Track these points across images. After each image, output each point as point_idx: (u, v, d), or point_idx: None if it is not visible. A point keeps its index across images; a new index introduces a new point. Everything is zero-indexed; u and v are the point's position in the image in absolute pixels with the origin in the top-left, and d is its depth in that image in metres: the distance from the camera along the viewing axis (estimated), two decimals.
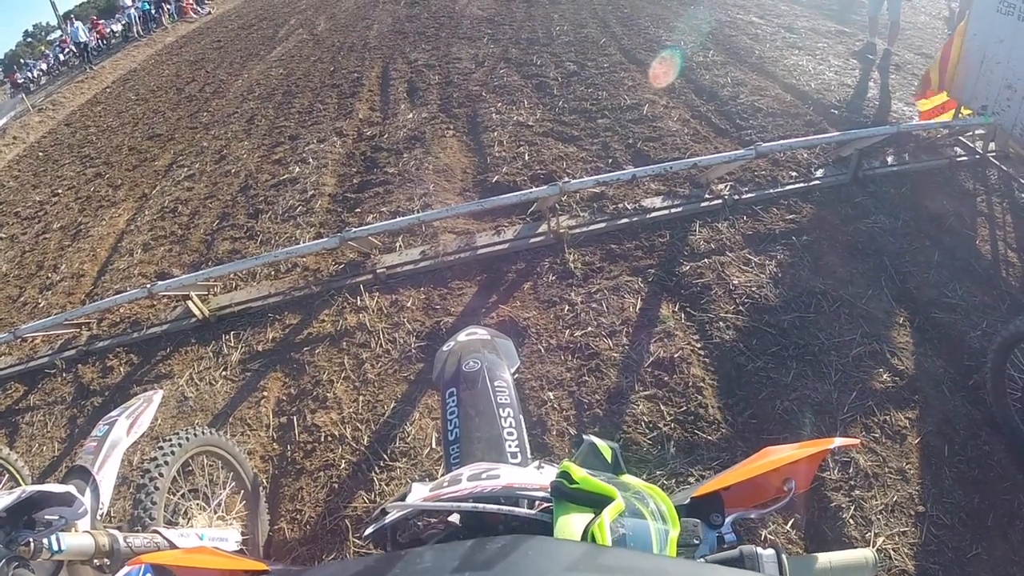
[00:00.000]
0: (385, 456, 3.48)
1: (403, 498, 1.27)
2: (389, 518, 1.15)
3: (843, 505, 2.99)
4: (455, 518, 1.18)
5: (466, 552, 0.84)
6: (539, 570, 0.78)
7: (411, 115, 7.96)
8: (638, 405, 3.40)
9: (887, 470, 3.17)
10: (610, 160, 5.86)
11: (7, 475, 3.27)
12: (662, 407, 3.38)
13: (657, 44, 9.21)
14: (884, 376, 3.61)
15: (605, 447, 1.33)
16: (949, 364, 3.78)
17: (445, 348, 2.02)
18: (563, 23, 11.09)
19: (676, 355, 3.62)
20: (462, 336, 2.07)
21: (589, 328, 3.94)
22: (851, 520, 2.94)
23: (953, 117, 6.05)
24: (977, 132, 6.03)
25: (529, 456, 1.67)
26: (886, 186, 5.14)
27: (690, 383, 3.47)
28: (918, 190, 5.20)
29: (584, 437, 1.35)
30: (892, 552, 2.84)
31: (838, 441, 1.28)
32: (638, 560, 0.83)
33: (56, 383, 4.86)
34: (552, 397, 3.56)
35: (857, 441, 1.44)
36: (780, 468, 1.24)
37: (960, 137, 6.00)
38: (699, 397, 3.39)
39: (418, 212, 5.27)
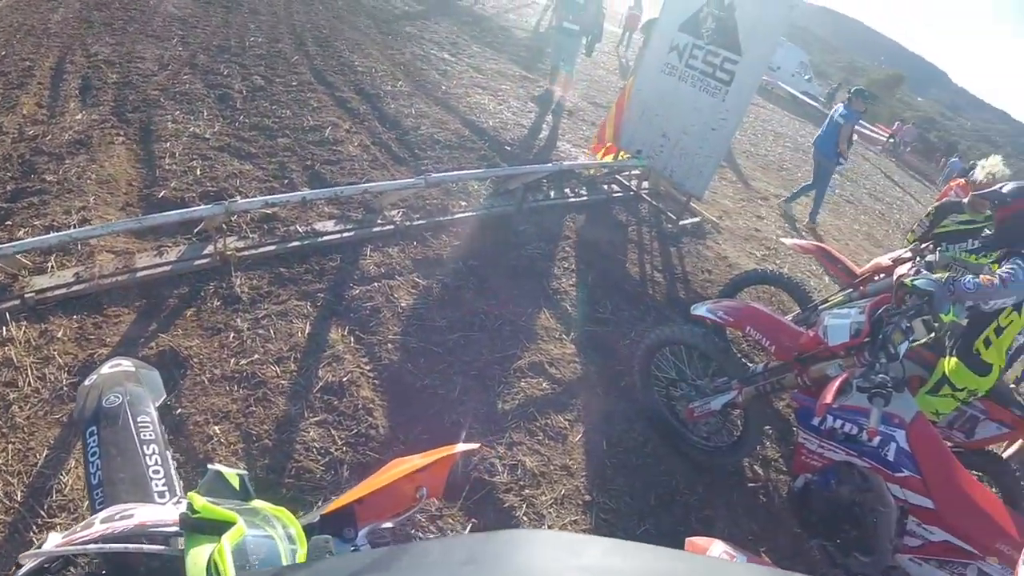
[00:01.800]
0: (43, 512, 2.94)
1: (40, 547, 1.18)
2: (23, 571, 1.10)
3: (515, 504, 3.16)
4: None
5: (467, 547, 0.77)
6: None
7: (80, 116, 6.99)
8: (309, 432, 3.29)
9: (552, 467, 3.43)
10: (286, 181, 5.65)
11: None
12: (333, 432, 3.30)
13: (349, 68, 9.18)
14: (544, 384, 3.92)
15: (232, 475, 1.30)
16: (603, 369, 4.24)
17: (87, 383, 1.85)
18: (259, 34, 10.61)
19: (345, 378, 3.57)
20: (105, 368, 1.92)
21: (256, 356, 3.72)
22: (524, 517, 3.12)
23: (613, 159, 6.75)
24: (634, 173, 6.81)
25: (180, 493, 1.56)
26: (548, 217, 5.57)
27: (360, 405, 3.43)
28: (577, 221, 5.68)
29: (209, 466, 1.31)
30: None
31: (460, 447, 1.36)
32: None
33: None
34: (218, 431, 3.28)
35: (478, 446, 1.53)
36: (411, 476, 1.28)
37: (617, 176, 6.70)
38: (370, 418, 3.37)
39: (74, 227, 4.62)
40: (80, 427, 1.69)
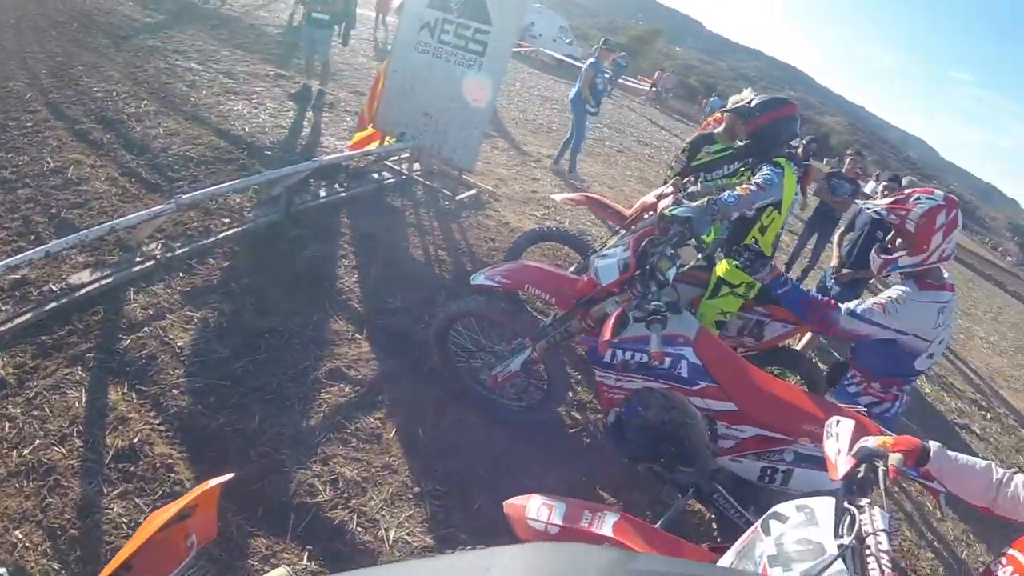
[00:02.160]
0: None
1: None
2: None
3: (346, 519, 3.15)
4: None
5: None
6: None
7: None
8: (112, 508, 3.09)
9: (374, 470, 3.44)
10: (32, 237, 5.13)
11: None
12: (137, 500, 3.12)
13: (88, 96, 8.45)
14: (346, 389, 3.91)
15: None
16: (402, 359, 4.28)
17: None
18: None
19: (136, 440, 3.37)
20: None
21: (38, 440, 3.41)
22: (359, 528, 3.13)
23: (380, 146, 6.74)
24: (403, 156, 6.83)
25: None
26: (320, 217, 5.50)
27: (159, 464, 3.27)
28: (351, 215, 5.65)
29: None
30: (408, 538, 3.13)
31: (214, 481, 1.35)
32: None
33: None
34: (21, 536, 3.00)
35: (230, 476, 1.46)
36: (179, 527, 1.26)
37: (386, 162, 6.70)
38: (172, 475, 3.22)
39: None
40: None
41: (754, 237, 4.17)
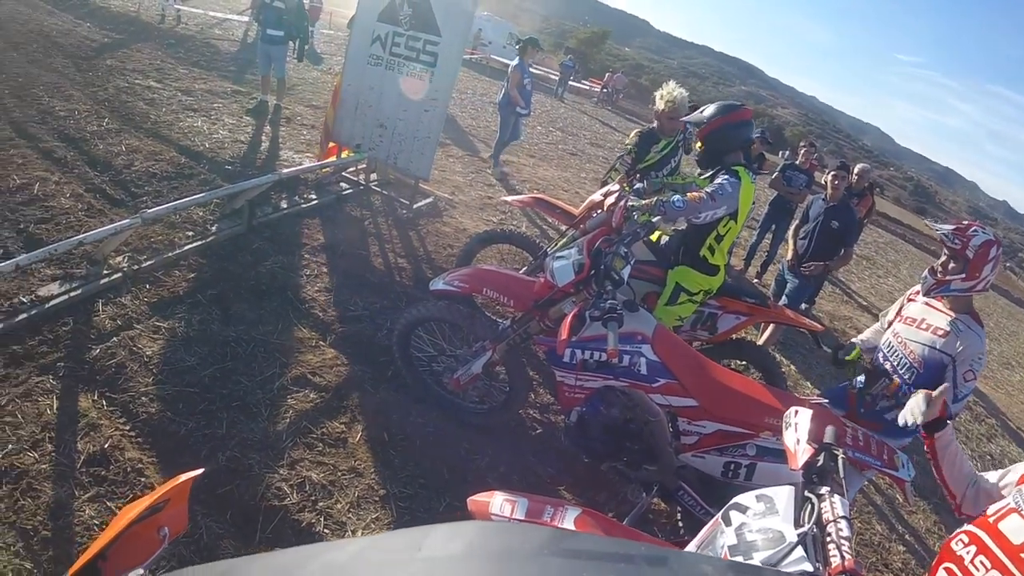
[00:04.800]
0: None
1: None
2: None
3: (313, 521, 3.25)
4: None
5: None
6: None
7: None
8: (84, 511, 3.19)
9: (340, 474, 3.54)
10: (0, 251, 5.24)
11: None
12: (109, 503, 3.22)
13: (50, 115, 8.48)
14: (312, 395, 4.01)
15: None
16: (366, 365, 4.38)
17: None
18: None
19: (107, 445, 3.48)
20: None
21: (10, 446, 3.50)
22: (325, 530, 3.23)
23: (338, 157, 6.89)
24: (360, 166, 7.00)
25: None
26: (282, 228, 5.62)
27: (129, 468, 3.37)
28: (312, 226, 5.78)
29: None
30: None
31: (185, 476, 1.40)
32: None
33: None
34: None
35: (200, 471, 1.51)
36: (150, 520, 1.30)
37: (344, 173, 6.86)
38: (142, 479, 3.32)
39: None
40: None
41: (710, 245, 4.28)
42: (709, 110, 4.23)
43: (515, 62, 10.22)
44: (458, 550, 0.90)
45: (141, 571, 1.28)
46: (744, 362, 5.14)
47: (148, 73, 10.45)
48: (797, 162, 9.24)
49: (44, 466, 3.43)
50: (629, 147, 5.66)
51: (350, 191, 6.51)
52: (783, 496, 1.59)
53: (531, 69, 10.61)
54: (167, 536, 1.32)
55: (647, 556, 0.89)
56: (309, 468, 3.52)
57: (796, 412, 2.11)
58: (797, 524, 1.50)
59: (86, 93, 9.39)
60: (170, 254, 5.04)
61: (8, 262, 4.27)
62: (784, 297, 6.46)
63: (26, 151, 7.17)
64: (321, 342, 4.49)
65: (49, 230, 5.48)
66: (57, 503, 3.25)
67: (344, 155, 6.95)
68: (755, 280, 9.53)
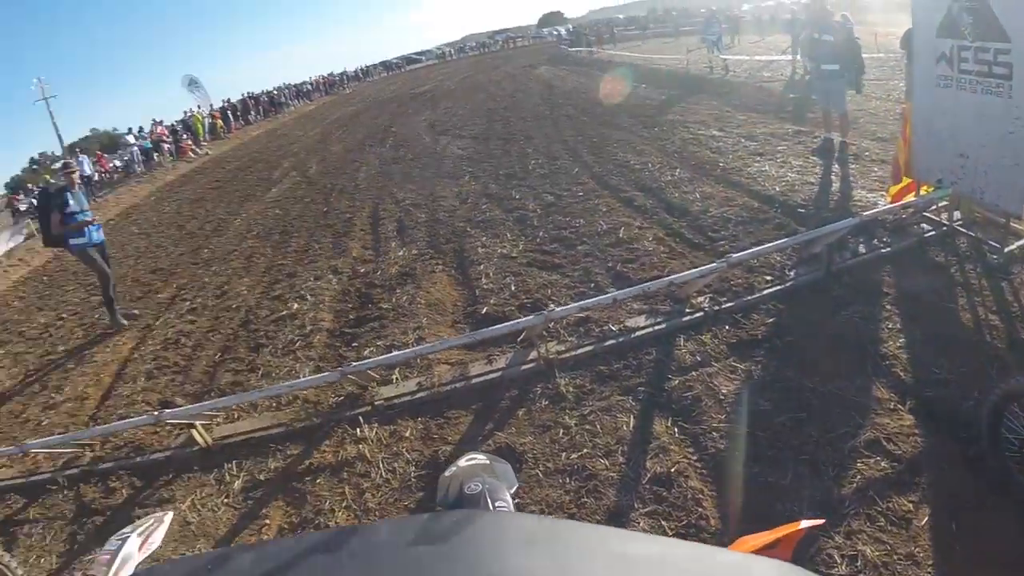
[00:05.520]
0: None
1: None
2: None
3: None
4: None
5: (419, 526, 0.85)
6: (494, 543, 0.80)
7: (401, 252, 8.28)
8: (639, 522, 3.37)
9: (896, 557, 3.10)
10: (592, 284, 6.03)
11: None
12: (663, 522, 3.34)
13: (626, 168, 9.61)
14: (882, 464, 3.57)
15: None
16: (946, 439, 3.75)
17: (447, 473, 2.07)
18: (538, 156, 11.65)
19: (673, 469, 3.61)
20: (462, 461, 2.12)
21: (585, 450, 3.94)
22: None
23: (915, 196, 6.24)
24: (941, 205, 6.23)
25: None
26: (861, 275, 5.28)
27: (689, 496, 3.44)
28: (893, 273, 5.32)
29: None
30: None
31: (805, 523, 1.34)
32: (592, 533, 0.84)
33: (57, 499, 4.81)
34: None
35: (822, 520, 1.49)
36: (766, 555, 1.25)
37: (925, 213, 6.18)
38: (699, 509, 3.37)
39: (412, 345, 5.44)
40: (444, 510, 1.87)
41: None
42: None
43: None
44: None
45: None
46: None
47: (709, 123, 11.11)
48: None
49: (612, 474, 3.72)
50: None
51: (932, 232, 5.82)
52: None
53: None
54: None
55: None
56: (866, 542, 3.13)
57: None
58: None
59: (655, 147, 10.41)
60: (749, 297, 5.14)
61: (606, 295, 4.85)
62: None
63: (609, 200, 8.22)
64: (900, 405, 3.98)
65: (634, 269, 6.11)
66: (617, 509, 3.49)
67: (923, 191, 6.26)
68: None
